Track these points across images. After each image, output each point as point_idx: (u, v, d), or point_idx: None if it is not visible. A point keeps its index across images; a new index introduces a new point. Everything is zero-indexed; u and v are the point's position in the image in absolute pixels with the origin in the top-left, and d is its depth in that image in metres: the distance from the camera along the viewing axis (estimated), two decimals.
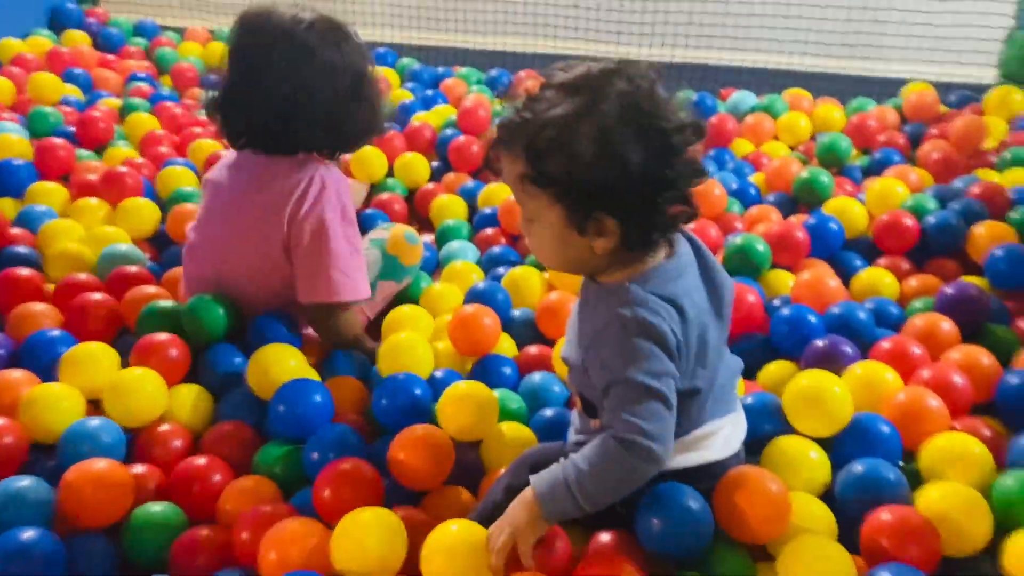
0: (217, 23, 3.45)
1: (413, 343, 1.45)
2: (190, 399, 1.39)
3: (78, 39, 2.86)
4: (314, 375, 1.42)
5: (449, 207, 2.08)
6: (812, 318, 1.52)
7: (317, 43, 1.43)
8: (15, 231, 1.84)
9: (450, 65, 2.98)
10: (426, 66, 2.91)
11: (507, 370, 1.47)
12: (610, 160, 0.97)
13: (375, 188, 2.22)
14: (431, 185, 2.21)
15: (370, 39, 3.37)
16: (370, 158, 2.20)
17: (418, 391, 1.34)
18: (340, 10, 3.44)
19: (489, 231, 1.98)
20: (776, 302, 1.64)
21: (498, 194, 2.05)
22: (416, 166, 2.25)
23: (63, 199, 1.98)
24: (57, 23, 2.98)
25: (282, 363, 1.39)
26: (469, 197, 2.12)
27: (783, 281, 1.71)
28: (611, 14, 3.09)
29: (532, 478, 1.04)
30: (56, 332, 1.49)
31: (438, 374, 1.44)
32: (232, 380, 1.44)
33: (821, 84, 2.80)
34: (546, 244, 1.06)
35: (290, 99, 1.42)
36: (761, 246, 1.71)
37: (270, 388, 1.36)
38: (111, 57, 2.85)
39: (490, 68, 2.89)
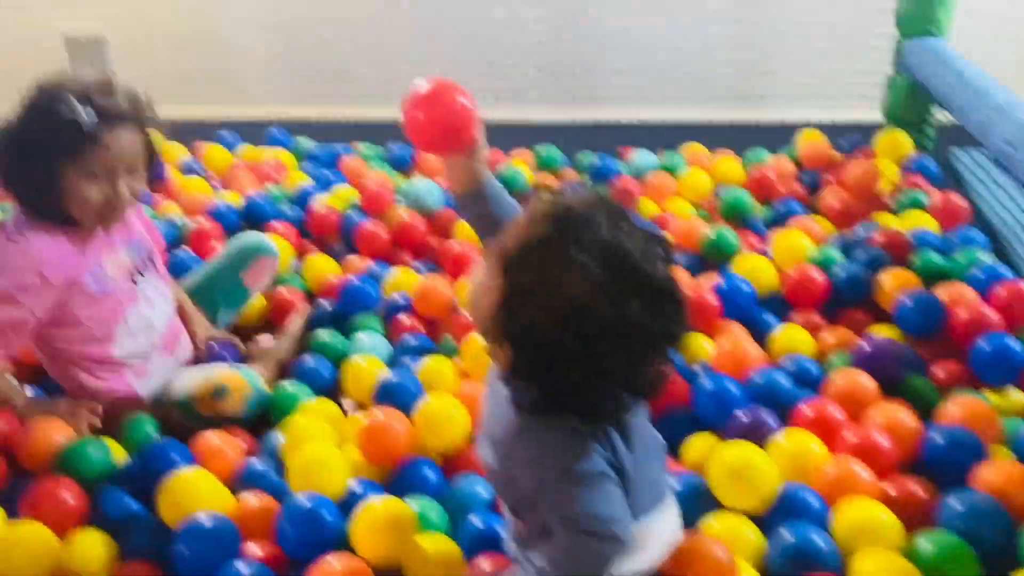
0: None
1: (323, 456, 1.35)
2: (88, 547, 1.26)
3: None
4: (227, 497, 1.32)
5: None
6: (733, 387, 1.50)
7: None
8: None
9: (347, 140, 2.92)
10: (323, 144, 2.84)
11: (429, 474, 1.39)
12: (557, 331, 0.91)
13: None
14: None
15: (256, 118, 3.35)
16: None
17: (326, 514, 1.24)
18: (226, 88, 3.40)
19: (403, 318, 1.88)
20: (696, 369, 1.62)
21: (407, 280, 1.98)
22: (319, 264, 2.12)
23: None
24: None
25: (194, 492, 1.30)
26: (377, 282, 2.03)
27: (700, 347, 1.68)
28: (505, 72, 3.11)
29: None
30: None
31: (354, 486, 1.35)
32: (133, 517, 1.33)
33: (715, 135, 2.85)
34: (474, 296, 1.01)
35: None
36: None
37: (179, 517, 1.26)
38: None
39: (388, 141, 2.85)
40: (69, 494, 1.31)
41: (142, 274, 1.59)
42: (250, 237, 1.92)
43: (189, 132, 3.10)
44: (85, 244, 1.49)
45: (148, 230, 1.67)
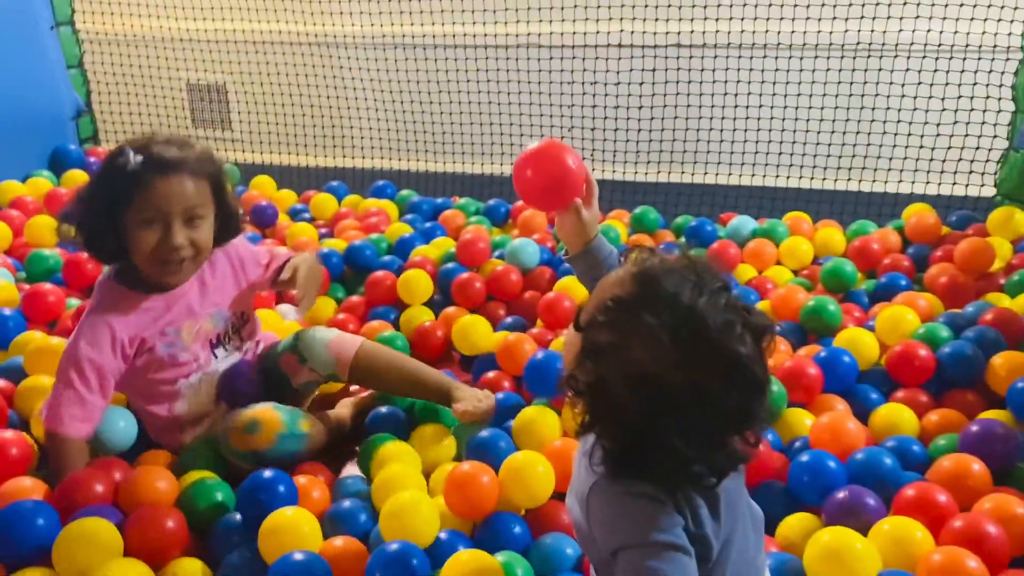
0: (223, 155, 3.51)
1: (416, 503, 1.36)
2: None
3: (78, 179, 2.87)
4: (318, 535, 1.35)
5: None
6: (832, 464, 1.45)
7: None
8: None
9: (448, 194, 2.99)
10: (425, 197, 2.92)
11: (516, 529, 1.39)
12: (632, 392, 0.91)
13: None
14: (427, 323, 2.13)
15: (364, 166, 3.47)
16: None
17: (415, 562, 1.25)
18: (335, 138, 3.54)
19: (491, 375, 1.89)
20: (796, 444, 1.57)
21: (495, 335, 2.00)
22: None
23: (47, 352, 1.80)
24: (58, 164, 3.00)
25: (295, 531, 1.33)
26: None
27: (799, 420, 1.64)
28: (606, 134, 3.14)
29: None
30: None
31: (442, 536, 1.36)
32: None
33: (818, 202, 2.82)
34: (564, 349, 1.05)
35: None
36: (776, 387, 1.65)
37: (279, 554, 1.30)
38: None
39: (488, 195, 2.91)
40: (172, 522, 1.36)
41: (224, 347, 1.65)
42: (296, 333, 1.71)
43: (302, 179, 3.24)
44: (168, 308, 1.55)
45: (245, 264, 1.68)
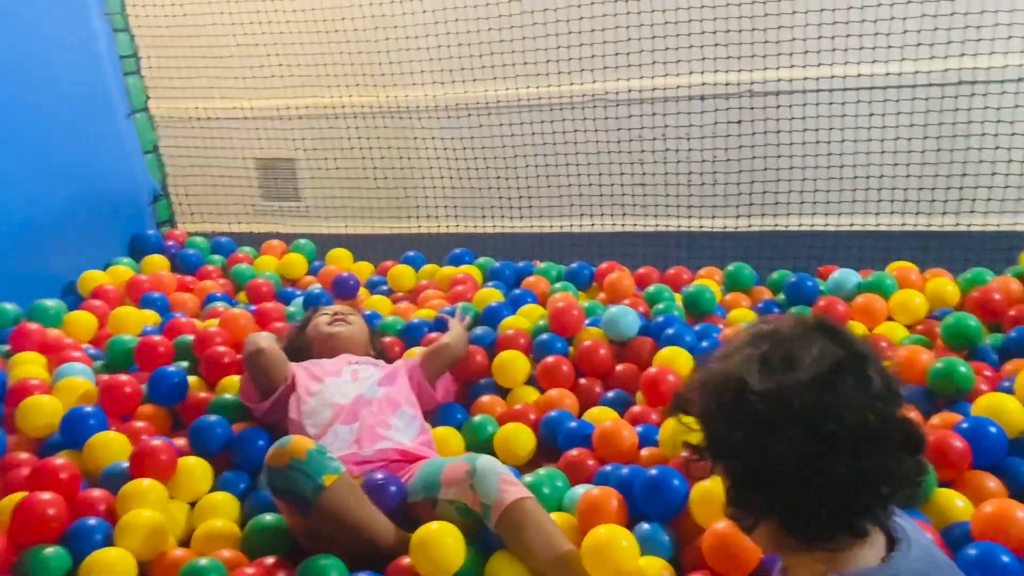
0: (292, 227, 3.53)
1: None
2: None
3: (157, 264, 2.87)
4: None
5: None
6: (1006, 559, 1.30)
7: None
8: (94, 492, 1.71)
9: (523, 254, 2.91)
10: (504, 262, 2.83)
11: None
12: (754, 444, 0.90)
13: None
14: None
15: (432, 231, 3.42)
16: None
17: None
18: (396, 205, 3.50)
19: (574, 452, 1.79)
20: (956, 533, 1.42)
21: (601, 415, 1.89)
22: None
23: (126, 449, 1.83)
24: (137, 250, 3.00)
25: None
26: None
27: (950, 503, 1.49)
28: (682, 189, 3.06)
29: None
30: None
31: None
32: None
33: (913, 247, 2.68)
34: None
35: None
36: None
37: None
38: (189, 279, 2.83)
39: (565, 254, 2.82)
40: None
41: (356, 363, 2.02)
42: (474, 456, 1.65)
43: (372, 247, 3.21)
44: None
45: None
